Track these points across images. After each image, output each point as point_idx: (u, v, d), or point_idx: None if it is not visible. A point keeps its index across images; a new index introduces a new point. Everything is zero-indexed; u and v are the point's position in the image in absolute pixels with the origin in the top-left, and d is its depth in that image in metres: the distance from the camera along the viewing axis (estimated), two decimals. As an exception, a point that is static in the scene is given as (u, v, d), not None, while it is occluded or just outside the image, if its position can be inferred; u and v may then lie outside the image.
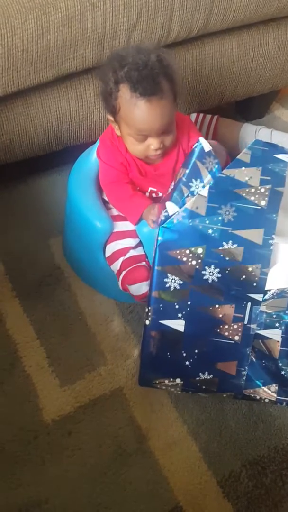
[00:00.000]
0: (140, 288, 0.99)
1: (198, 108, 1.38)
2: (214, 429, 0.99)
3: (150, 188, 1.06)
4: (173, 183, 0.97)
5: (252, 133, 1.38)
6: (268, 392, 0.93)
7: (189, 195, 0.90)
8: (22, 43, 1.01)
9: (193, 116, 1.42)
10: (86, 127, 1.24)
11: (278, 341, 0.90)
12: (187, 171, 0.90)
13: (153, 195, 1.07)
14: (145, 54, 0.92)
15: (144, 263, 1.03)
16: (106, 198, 1.10)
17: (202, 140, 0.92)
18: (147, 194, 1.07)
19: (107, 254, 1.07)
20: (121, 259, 1.04)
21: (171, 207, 0.90)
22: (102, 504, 0.90)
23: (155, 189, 1.06)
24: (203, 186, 0.89)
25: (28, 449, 0.95)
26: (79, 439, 0.97)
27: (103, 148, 1.06)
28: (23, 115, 1.17)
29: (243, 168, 0.89)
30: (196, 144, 0.92)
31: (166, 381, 0.94)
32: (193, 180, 0.90)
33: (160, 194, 1.07)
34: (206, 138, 1.40)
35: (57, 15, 1.01)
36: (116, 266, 1.05)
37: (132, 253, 1.04)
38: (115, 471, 0.94)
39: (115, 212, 1.09)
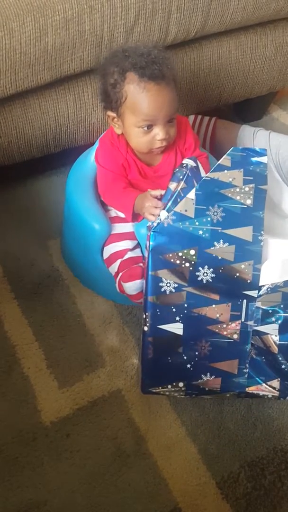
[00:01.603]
0: (134, 286, 0.99)
1: (196, 110, 1.38)
2: (213, 431, 1.00)
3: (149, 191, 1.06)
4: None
5: (250, 135, 1.38)
6: (270, 388, 0.93)
7: None
8: (20, 45, 1.01)
9: (191, 117, 1.42)
10: (84, 129, 1.24)
11: (275, 336, 0.91)
12: (185, 186, 0.92)
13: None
14: (146, 47, 0.96)
15: (141, 264, 1.03)
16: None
17: (200, 166, 0.95)
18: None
19: (105, 256, 1.07)
20: (118, 261, 1.04)
21: (164, 216, 0.91)
22: (100, 506, 0.90)
23: (154, 192, 1.07)
24: None
25: (27, 451, 0.95)
26: (77, 441, 0.97)
27: (102, 150, 1.06)
28: (21, 117, 1.17)
29: (226, 171, 0.92)
30: (190, 160, 0.94)
31: (169, 386, 0.94)
32: (188, 191, 0.91)
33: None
34: (205, 140, 1.42)
35: (55, 18, 1.01)
36: (113, 268, 1.05)
37: (129, 254, 1.04)
38: (113, 472, 0.94)
39: (113, 214, 1.10)
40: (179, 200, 0.91)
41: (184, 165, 0.94)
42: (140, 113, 0.95)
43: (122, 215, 1.07)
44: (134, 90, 0.94)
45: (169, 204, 0.91)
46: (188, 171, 0.92)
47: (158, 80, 0.93)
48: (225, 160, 0.92)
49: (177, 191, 0.91)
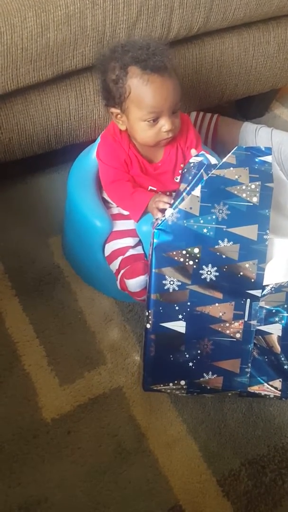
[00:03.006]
0: (138, 283, 0.98)
1: (198, 107, 1.38)
2: (214, 428, 1.00)
3: (150, 187, 1.06)
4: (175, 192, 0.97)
5: (252, 132, 1.38)
6: (272, 388, 0.93)
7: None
8: (21, 41, 1.00)
9: (193, 114, 1.42)
10: (85, 125, 1.24)
11: (278, 336, 0.90)
12: (193, 182, 0.91)
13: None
14: (144, 40, 0.97)
15: (143, 261, 1.02)
16: (105, 197, 1.10)
17: (208, 155, 0.94)
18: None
19: (106, 253, 1.07)
20: (120, 258, 1.04)
21: (168, 213, 0.91)
22: (101, 503, 0.90)
23: (155, 188, 1.06)
24: None
25: (28, 448, 0.95)
26: (78, 438, 0.97)
27: (104, 146, 1.06)
28: (23, 114, 1.16)
29: (232, 168, 0.91)
30: (199, 157, 0.93)
31: (171, 384, 0.94)
32: (195, 188, 0.91)
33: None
34: (206, 137, 1.42)
35: (57, 13, 1.01)
36: (115, 265, 1.05)
37: (131, 252, 1.04)
38: (114, 470, 0.94)
39: (114, 211, 1.09)
40: (184, 196, 0.90)
41: (192, 164, 0.92)
42: (146, 105, 0.95)
43: (124, 212, 1.07)
44: (138, 83, 0.94)
45: (177, 202, 0.90)
46: (198, 172, 0.91)
47: (161, 71, 0.94)
48: (230, 158, 0.92)
49: (184, 189, 0.91)
